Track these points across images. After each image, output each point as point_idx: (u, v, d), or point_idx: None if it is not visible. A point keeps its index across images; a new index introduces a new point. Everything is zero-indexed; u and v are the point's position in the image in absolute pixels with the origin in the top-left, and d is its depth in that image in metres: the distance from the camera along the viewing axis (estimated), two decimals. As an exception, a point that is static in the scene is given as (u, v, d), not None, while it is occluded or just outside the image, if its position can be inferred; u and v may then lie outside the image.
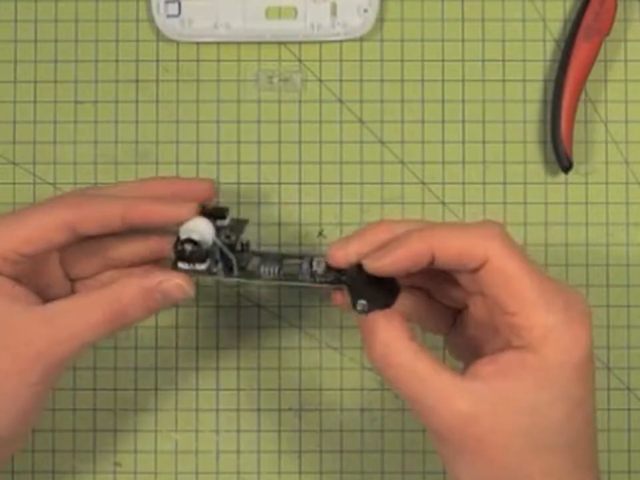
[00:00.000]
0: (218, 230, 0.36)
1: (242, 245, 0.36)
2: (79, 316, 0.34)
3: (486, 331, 0.34)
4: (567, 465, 0.32)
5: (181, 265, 0.35)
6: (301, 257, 0.36)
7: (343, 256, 0.34)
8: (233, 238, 0.36)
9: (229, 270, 0.35)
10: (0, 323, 0.34)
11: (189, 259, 0.35)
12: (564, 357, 0.31)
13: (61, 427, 0.43)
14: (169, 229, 0.37)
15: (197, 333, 0.43)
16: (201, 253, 0.35)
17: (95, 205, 0.35)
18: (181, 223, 0.35)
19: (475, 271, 0.32)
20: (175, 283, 0.35)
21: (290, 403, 0.43)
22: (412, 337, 0.32)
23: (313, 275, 0.35)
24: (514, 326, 0.32)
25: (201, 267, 0.35)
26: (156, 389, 0.43)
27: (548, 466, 0.31)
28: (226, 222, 0.36)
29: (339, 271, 0.34)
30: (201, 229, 0.35)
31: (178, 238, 0.35)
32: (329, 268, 0.34)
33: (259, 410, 0.43)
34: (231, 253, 0.35)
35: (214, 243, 0.35)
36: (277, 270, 0.35)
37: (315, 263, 0.35)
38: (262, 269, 0.35)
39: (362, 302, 0.33)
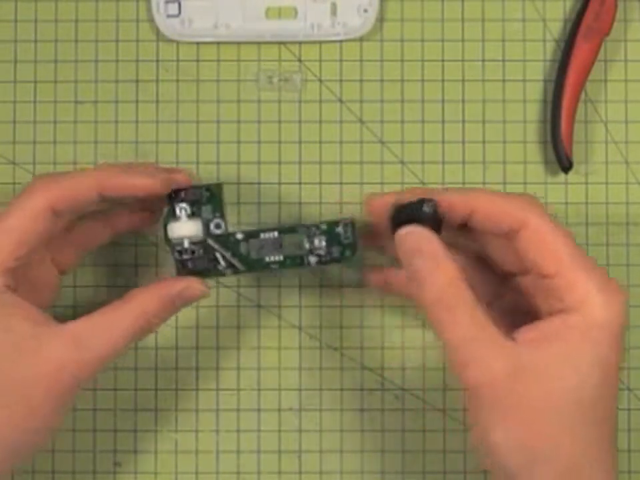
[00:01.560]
0: (206, 225, 0.36)
1: (238, 234, 0.37)
2: (106, 335, 0.35)
3: (528, 301, 0.35)
4: (598, 439, 0.32)
5: (186, 271, 0.37)
6: (297, 227, 0.36)
7: (381, 200, 0.36)
8: (222, 225, 0.36)
9: (233, 266, 0.37)
10: (29, 351, 0.34)
11: (193, 266, 0.36)
12: (604, 318, 0.32)
13: (61, 427, 0.41)
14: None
15: (196, 333, 0.43)
16: (202, 260, 0.36)
17: (68, 180, 0.35)
18: (165, 228, 0.36)
19: (512, 234, 0.33)
20: (196, 288, 0.36)
21: (290, 402, 0.43)
22: (469, 286, 0.33)
23: (317, 255, 0.36)
24: (554, 288, 0.33)
25: (206, 271, 0.37)
26: (156, 389, 0.43)
27: (581, 436, 0.32)
28: (205, 206, 0.37)
29: (340, 242, 0.35)
30: (189, 232, 0.36)
31: (173, 247, 0.36)
32: (330, 242, 0.36)
33: (259, 410, 0.43)
34: (229, 252, 0.36)
35: (208, 244, 0.36)
36: (281, 257, 0.36)
37: (316, 241, 0.36)
38: (266, 258, 0.36)
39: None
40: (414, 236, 0.34)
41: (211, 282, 0.42)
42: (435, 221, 0.35)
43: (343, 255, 0.37)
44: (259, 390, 0.43)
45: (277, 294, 0.43)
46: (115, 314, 0.35)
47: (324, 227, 0.37)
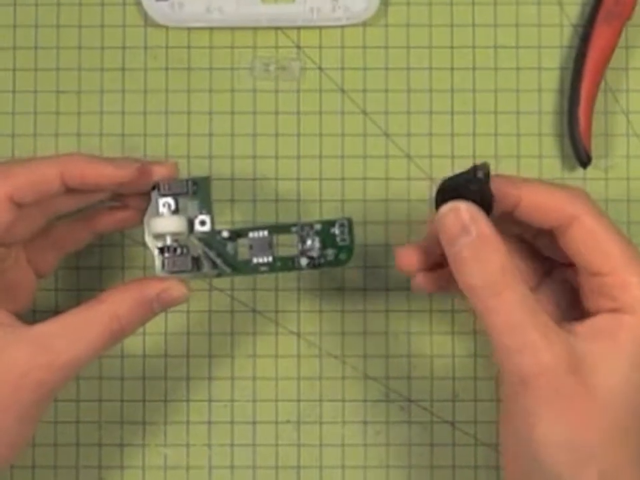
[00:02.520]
0: (191, 221, 0.36)
1: (224, 232, 0.37)
2: (75, 338, 0.34)
3: (573, 294, 0.35)
4: None
5: (167, 271, 0.36)
6: (289, 226, 0.36)
7: (407, 251, 0.36)
8: (208, 222, 0.36)
9: (217, 267, 0.36)
10: None
11: (174, 265, 0.36)
12: None
13: (41, 441, 0.42)
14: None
15: (187, 340, 0.43)
16: (184, 259, 0.36)
17: (27, 168, 0.35)
18: (148, 220, 0.36)
19: (562, 229, 0.33)
20: (176, 291, 0.35)
21: (288, 415, 0.43)
22: (519, 274, 0.33)
23: (309, 257, 0.35)
24: (606, 287, 0.33)
25: (189, 271, 0.36)
26: (144, 400, 0.42)
27: (627, 439, 0.32)
28: (190, 201, 0.36)
29: (335, 244, 0.35)
30: (172, 228, 0.36)
31: (154, 244, 0.36)
32: (324, 243, 0.35)
33: (254, 422, 0.43)
34: (213, 251, 0.36)
35: (191, 242, 0.36)
36: (270, 259, 0.36)
37: (309, 241, 0.36)
38: (254, 259, 0.36)
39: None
40: (460, 212, 0.33)
41: (202, 284, 0.42)
42: (486, 198, 0.33)
43: (338, 258, 0.36)
44: (254, 401, 0.43)
45: (273, 298, 0.43)
46: (86, 315, 0.35)
47: (318, 226, 0.36)
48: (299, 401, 0.43)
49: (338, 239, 0.36)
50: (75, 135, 0.43)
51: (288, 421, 0.43)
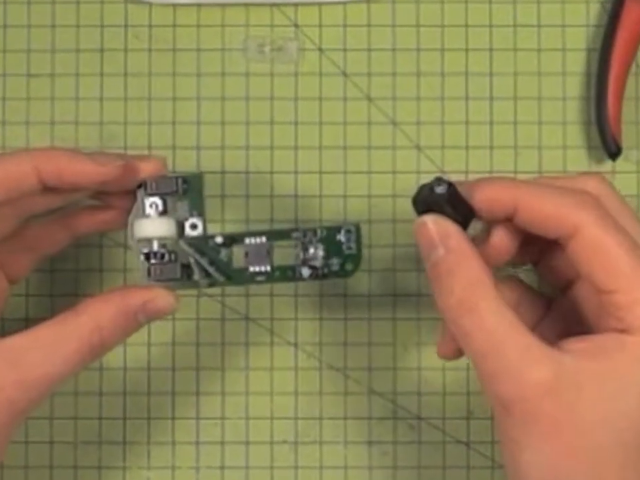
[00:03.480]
0: (181, 224, 0.36)
1: (217, 237, 0.36)
2: (50, 353, 0.34)
3: (581, 313, 0.35)
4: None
5: (154, 279, 0.35)
6: (289, 232, 0.36)
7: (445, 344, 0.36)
8: (200, 225, 0.36)
9: (210, 275, 0.36)
10: None
11: (161, 273, 0.35)
12: None
13: (11, 463, 0.42)
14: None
15: (173, 351, 0.42)
16: (173, 266, 0.35)
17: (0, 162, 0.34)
18: (132, 223, 0.36)
19: (564, 240, 0.33)
20: (163, 301, 0.35)
21: (284, 434, 0.42)
22: (495, 287, 0.32)
23: (312, 266, 0.35)
24: (611, 305, 0.32)
25: (178, 280, 0.35)
26: (124, 418, 0.42)
27: (623, 471, 0.31)
28: (180, 202, 0.36)
29: (341, 253, 0.35)
30: (159, 232, 0.35)
31: (139, 249, 0.36)
32: (328, 251, 0.35)
33: (247, 443, 0.42)
34: (205, 258, 0.35)
35: (181, 248, 0.35)
36: (268, 268, 0.35)
37: (311, 249, 0.35)
38: (250, 268, 0.35)
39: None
40: (429, 226, 0.33)
41: (190, 290, 0.41)
42: (460, 209, 0.33)
43: (344, 268, 0.36)
44: (246, 419, 0.42)
45: (268, 304, 0.42)
46: (63, 328, 0.34)
47: (322, 232, 0.35)
48: (296, 418, 0.42)
49: (344, 247, 0.36)
50: (47, 124, 0.42)
51: (284, 441, 0.42)
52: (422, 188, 0.33)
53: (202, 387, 0.42)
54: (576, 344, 0.32)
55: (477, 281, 0.32)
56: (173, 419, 0.42)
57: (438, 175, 0.33)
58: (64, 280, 0.42)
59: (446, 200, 0.32)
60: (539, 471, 0.31)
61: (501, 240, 0.35)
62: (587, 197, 0.33)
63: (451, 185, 0.32)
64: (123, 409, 0.42)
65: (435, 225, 0.33)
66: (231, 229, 0.41)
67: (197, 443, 0.42)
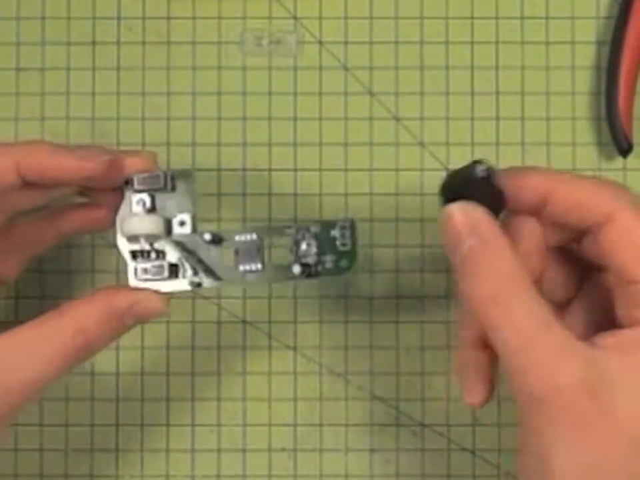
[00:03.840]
0: (169, 221, 0.35)
1: (205, 234, 0.35)
2: (31, 356, 0.33)
3: (608, 304, 0.34)
4: None
5: (141, 280, 0.35)
6: (281, 229, 0.35)
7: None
8: (189, 223, 0.35)
9: (198, 275, 0.35)
10: None
11: (148, 273, 0.35)
12: None
13: (1, 471, 0.42)
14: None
15: (167, 355, 0.42)
16: (160, 266, 0.35)
17: None
18: (121, 223, 0.35)
19: (595, 228, 0.32)
20: (151, 303, 0.35)
21: (283, 441, 0.42)
22: (529, 279, 0.32)
23: (304, 264, 0.35)
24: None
25: (166, 280, 0.35)
26: (117, 425, 0.41)
27: None
28: (169, 199, 0.35)
29: (335, 249, 0.35)
30: (146, 230, 0.35)
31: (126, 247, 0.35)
32: (322, 248, 0.35)
33: (244, 450, 0.42)
34: (193, 257, 0.35)
35: (169, 246, 0.35)
36: (259, 267, 0.35)
37: (304, 245, 0.35)
38: (240, 267, 0.35)
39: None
40: (462, 214, 0.32)
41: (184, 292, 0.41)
42: (493, 196, 0.32)
43: (338, 265, 0.35)
44: (244, 426, 0.42)
45: (266, 307, 0.42)
46: (45, 329, 0.33)
47: (315, 228, 0.35)
48: (295, 425, 0.42)
49: (338, 243, 0.35)
50: (37, 119, 0.42)
51: (283, 449, 0.42)
52: (455, 173, 0.32)
53: (197, 392, 0.41)
54: (607, 339, 0.32)
55: (511, 273, 0.31)
56: (167, 425, 0.41)
57: (475, 159, 0.32)
58: (54, 281, 0.42)
59: (484, 184, 0.32)
60: (571, 469, 0.31)
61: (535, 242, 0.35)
62: (618, 186, 0.33)
63: (491, 168, 0.32)
64: (116, 416, 0.41)
65: (467, 213, 0.32)
66: (227, 227, 0.40)
67: (192, 450, 0.41)
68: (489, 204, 0.32)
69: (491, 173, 0.32)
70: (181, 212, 0.35)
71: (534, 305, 0.31)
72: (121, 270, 0.41)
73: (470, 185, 0.32)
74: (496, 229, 0.32)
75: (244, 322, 0.42)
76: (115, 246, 0.37)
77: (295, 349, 0.42)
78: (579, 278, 0.37)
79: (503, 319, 0.31)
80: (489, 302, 0.31)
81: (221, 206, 0.42)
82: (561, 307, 0.35)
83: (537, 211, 0.34)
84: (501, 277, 0.31)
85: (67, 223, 0.38)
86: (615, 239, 0.32)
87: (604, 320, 0.34)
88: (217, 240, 0.35)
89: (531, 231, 0.34)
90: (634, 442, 0.30)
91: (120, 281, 0.41)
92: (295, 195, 0.42)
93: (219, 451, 0.41)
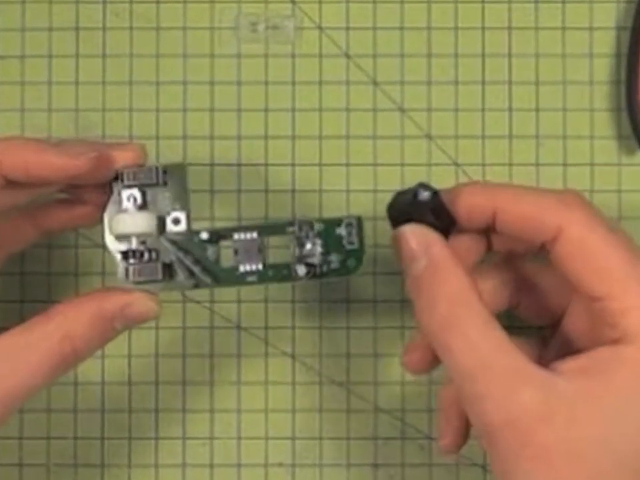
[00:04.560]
0: (162, 219, 0.34)
1: (202, 233, 0.35)
2: (16, 364, 0.33)
3: (578, 331, 0.35)
4: None
5: (133, 281, 0.34)
6: (283, 226, 0.35)
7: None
8: (183, 220, 0.35)
9: (195, 276, 0.35)
10: None
11: (140, 274, 0.34)
12: None
13: None
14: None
15: (156, 363, 0.41)
16: (153, 266, 0.34)
17: None
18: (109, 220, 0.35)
19: (549, 245, 0.32)
20: (143, 306, 0.34)
21: (280, 455, 0.41)
22: (481, 301, 0.32)
23: (309, 264, 0.34)
24: (604, 313, 0.31)
25: (159, 281, 0.34)
26: (102, 438, 0.41)
27: None
28: (161, 194, 0.35)
29: (341, 248, 0.34)
30: (138, 228, 0.34)
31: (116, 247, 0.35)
32: (327, 247, 0.34)
33: (239, 465, 0.41)
34: (189, 257, 0.34)
35: (162, 245, 0.35)
36: (260, 267, 0.34)
37: (308, 245, 0.34)
38: (240, 267, 0.34)
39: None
40: (413, 237, 0.33)
41: (175, 294, 0.42)
42: (442, 219, 0.33)
43: (345, 265, 0.34)
44: (238, 439, 0.41)
45: (262, 311, 0.42)
46: (30, 336, 0.33)
47: (320, 226, 0.34)
48: (293, 438, 0.41)
49: (345, 242, 0.34)
50: (17, 110, 0.42)
51: (280, 464, 0.42)
52: (400, 195, 0.34)
53: (188, 403, 0.41)
54: (570, 363, 0.31)
55: (462, 295, 0.32)
56: (157, 439, 0.41)
57: (421, 182, 0.33)
58: (36, 284, 0.41)
59: (430, 208, 0.33)
60: None
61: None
62: (570, 195, 0.33)
63: (435, 192, 0.33)
64: (101, 428, 0.41)
65: (416, 234, 0.33)
66: (221, 226, 0.39)
67: (184, 465, 0.41)
68: (439, 225, 0.33)
69: (434, 196, 0.33)
70: (175, 208, 0.35)
71: (487, 327, 0.31)
72: (107, 272, 0.41)
73: (417, 208, 0.33)
74: (446, 250, 0.32)
75: (238, 327, 0.41)
76: (102, 245, 0.36)
77: (293, 356, 0.41)
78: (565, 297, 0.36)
79: (455, 342, 0.31)
80: (442, 325, 0.32)
81: (214, 203, 0.41)
82: (553, 327, 0.36)
83: (489, 228, 0.34)
84: (452, 300, 0.32)
85: (48, 220, 0.37)
86: (569, 254, 0.32)
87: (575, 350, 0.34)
88: (214, 239, 0.34)
89: (466, 249, 0.35)
90: (596, 471, 0.30)
91: (106, 284, 0.41)
92: (293, 191, 0.42)
93: (211, 466, 0.41)
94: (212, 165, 0.42)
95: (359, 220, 0.34)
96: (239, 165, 0.42)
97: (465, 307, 0.32)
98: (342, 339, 0.41)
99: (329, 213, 0.41)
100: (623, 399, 0.31)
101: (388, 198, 0.40)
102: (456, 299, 0.32)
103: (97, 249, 0.41)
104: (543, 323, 0.37)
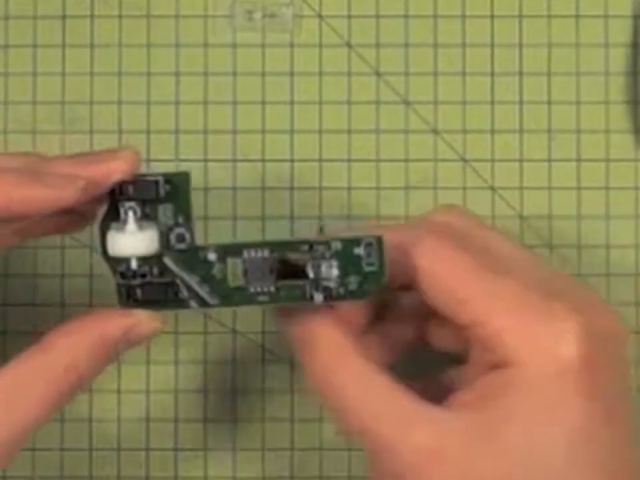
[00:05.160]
0: (165, 235, 0.33)
1: (209, 251, 0.34)
2: (18, 403, 0.32)
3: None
4: None
5: (133, 301, 0.34)
6: (297, 244, 0.34)
7: None
8: (187, 236, 0.34)
9: (201, 296, 0.34)
10: None
11: (142, 295, 0.33)
12: (553, 365, 0.30)
13: None
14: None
15: (146, 372, 0.40)
16: (156, 286, 0.33)
17: None
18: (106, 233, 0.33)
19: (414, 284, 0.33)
20: (145, 328, 0.33)
21: (279, 468, 0.41)
22: (359, 350, 0.32)
23: (325, 287, 0.33)
24: (478, 339, 0.32)
25: (163, 303, 0.33)
26: (90, 449, 0.39)
27: None
28: (163, 208, 0.33)
29: (360, 270, 0.33)
30: (139, 250, 0.33)
31: (115, 267, 0.33)
32: (344, 268, 0.33)
33: (233, 479, 0.40)
34: (195, 276, 0.33)
35: (166, 264, 0.33)
36: (272, 288, 0.33)
37: (324, 266, 0.33)
38: (251, 288, 0.33)
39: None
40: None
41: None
42: None
43: (363, 287, 0.33)
44: (233, 450, 0.40)
45: (259, 315, 0.41)
46: (34, 367, 0.32)
47: (337, 245, 0.33)
48: (292, 449, 0.41)
49: (363, 263, 0.33)
50: (0, 103, 0.41)
51: (279, 477, 0.41)
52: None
53: (181, 412, 0.40)
54: (458, 397, 0.32)
55: (337, 347, 0.32)
56: (147, 449, 0.40)
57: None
58: (20, 287, 0.40)
59: None
60: None
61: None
62: (420, 221, 0.34)
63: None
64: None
65: None
66: (215, 227, 0.40)
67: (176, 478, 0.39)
68: None
69: None
70: (178, 223, 0.33)
71: (367, 375, 0.32)
72: (95, 275, 0.40)
73: None
74: (318, 320, 0.33)
75: (234, 332, 0.41)
76: (91, 247, 0.37)
77: (291, 362, 0.40)
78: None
79: (337, 398, 0.32)
80: (322, 382, 0.32)
81: (208, 202, 0.41)
82: None
83: None
84: (327, 352, 0.32)
85: (32, 227, 0.35)
86: (428, 289, 0.32)
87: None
88: (221, 255, 0.33)
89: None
90: None
91: (94, 287, 0.40)
92: (292, 188, 0.41)
93: (205, 478, 0.40)
94: (205, 160, 0.41)
95: (379, 240, 0.33)
96: (234, 160, 0.41)
97: (342, 358, 0.32)
98: (343, 344, 0.40)
99: (328, 212, 0.41)
100: (517, 427, 0.30)
101: (392, 196, 0.42)
102: (331, 352, 0.32)
103: (84, 249, 0.40)
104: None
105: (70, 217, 0.35)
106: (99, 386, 0.40)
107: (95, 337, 0.33)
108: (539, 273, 0.33)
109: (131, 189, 0.33)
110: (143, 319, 0.33)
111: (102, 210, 0.34)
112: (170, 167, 0.39)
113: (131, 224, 0.33)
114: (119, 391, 0.40)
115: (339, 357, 0.32)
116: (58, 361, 0.32)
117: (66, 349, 0.32)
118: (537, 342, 0.30)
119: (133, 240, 0.33)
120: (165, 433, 0.40)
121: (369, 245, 0.33)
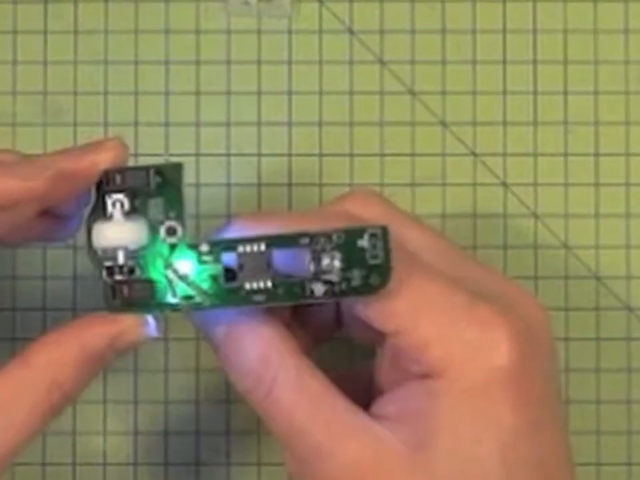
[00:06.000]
0: (154, 228, 0.32)
1: (202, 245, 0.33)
2: (1, 422, 0.31)
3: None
4: None
5: (119, 301, 0.32)
6: (296, 237, 0.33)
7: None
8: (179, 230, 0.32)
9: (192, 296, 0.33)
10: None
11: (129, 294, 0.32)
12: (477, 374, 0.30)
13: None
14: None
15: (134, 381, 0.40)
16: (145, 284, 0.32)
17: None
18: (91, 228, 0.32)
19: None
20: (133, 334, 0.33)
21: (279, 477, 0.40)
22: (295, 349, 0.32)
23: (326, 281, 0.32)
24: (402, 350, 0.31)
25: (152, 303, 0.32)
26: (74, 464, 0.38)
27: None
28: (153, 200, 0.33)
29: (364, 263, 0.32)
30: (126, 241, 0.32)
31: (101, 262, 0.32)
32: (347, 261, 0.32)
33: None
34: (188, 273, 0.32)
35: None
36: (269, 285, 0.32)
37: (325, 259, 0.32)
38: (246, 285, 0.32)
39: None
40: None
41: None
42: None
43: (367, 283, 0.32)
44: (227, 465, 0.39)
45: None
46: (15, 387, 0.31)
47: (340, 237, 0.32)
48: None
49: (367, 256, 0.32)
50: None
51: None
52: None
53: (171, 425, 0.39)
54: (385, 406, 0.31)
55: (269, 349, 0.32)
56: (135, 464, 0.39)
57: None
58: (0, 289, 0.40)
59: None
60: None
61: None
62: (331, 216, 0.33)
63: None
64: (72, 453, 0.38)
65: None
66: (207, 226, 0.38)
67: None
68: None
69: None
70: (169, 216, 0.32)
71: (300, 381, 0.31)
72: (78, 277, 0.39)
73: None
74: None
75: None
76: (74, 247, 0.36)
77: None
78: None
79: (268, 406, 0.31)
80: (253, 390, 0.31)
81: (200, 198, 0.40)
82: None
83: None
84: (257, 358, 0.31)
85: (10, 234, 0.34)
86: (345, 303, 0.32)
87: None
88: (214, 251, 0.32)
89: None
90: None
91: (77, 290, 0.39)
92: (290, 185, 0.41)
93: None
94: (197, 154, 0.40)
95: (384, 230, 0.32)
96: (228, 154, 0.41)
97: (274, 363, 0.32)
98: (348, 349, 0.39)
99: (328, 210, 0.39)
100: (448, 439, 0.30)
101: (397, 192, 0.41)
102: (261, 358, 0.32)
103: (67, 250, 0.39)
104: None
105: (54, 221, 0.34)
106: (82, 396, 0.37)
107: (78, 350, 0.32)
108: (463, 270, 0.32)
109: (118, 178, 0.32)
110: (129, 325, 0.32)
111: (89, 205, 0.33)
112: (160, 162, 0.37)
113: (118, 215, 0.32)
114: (104, 402, 0.39)
115: (273, 357, 0.32)
116: (41, 379, 0.31)
117: (49, 365, 0.32)
118: (464, 352, 0.30)
119: (119, 230, 0.32)
120: (153, 446, 0.39)
121: (373, 236, 0.32)
